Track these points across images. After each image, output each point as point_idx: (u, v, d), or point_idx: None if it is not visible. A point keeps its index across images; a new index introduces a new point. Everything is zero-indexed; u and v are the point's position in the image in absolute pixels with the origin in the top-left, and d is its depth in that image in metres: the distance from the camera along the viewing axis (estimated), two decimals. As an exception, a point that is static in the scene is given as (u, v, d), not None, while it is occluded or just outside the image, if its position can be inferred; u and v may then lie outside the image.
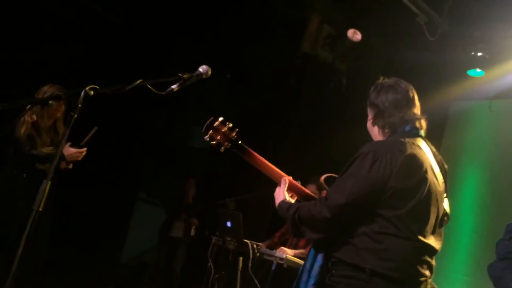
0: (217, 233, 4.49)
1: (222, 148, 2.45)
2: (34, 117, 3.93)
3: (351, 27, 6.16)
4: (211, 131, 2.44)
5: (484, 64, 5.64)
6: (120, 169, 6.96)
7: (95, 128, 3.90)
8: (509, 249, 1.87)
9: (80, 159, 3.99)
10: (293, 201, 2.40)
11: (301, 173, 2.52)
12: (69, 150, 3.85)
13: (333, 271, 2.16)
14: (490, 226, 5.04)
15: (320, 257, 2.23)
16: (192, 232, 6.76)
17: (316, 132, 6.99)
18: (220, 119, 2.46)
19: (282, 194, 2.38)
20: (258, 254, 4.15)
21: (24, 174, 3.87)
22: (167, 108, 7.43)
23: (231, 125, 2.47)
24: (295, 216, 2.20)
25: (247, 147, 2.47)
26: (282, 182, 2.42)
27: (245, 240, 4.23)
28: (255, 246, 4.17)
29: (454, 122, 6.12)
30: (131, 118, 7.02)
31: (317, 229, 2.16)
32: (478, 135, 5.93)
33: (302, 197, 2.44)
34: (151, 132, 7.25)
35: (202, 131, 2.45)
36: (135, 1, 6.89)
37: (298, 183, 2.48)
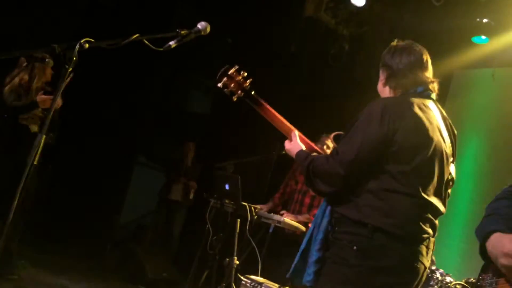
0: (215, 196, 4.49)
1: (235, 97, 2.45)
2: (26, 77, 4.06)
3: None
4: (225, 79, 2.43)
5: (489, 31, 5.55)
6: (119, 132, 6.94)
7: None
8: (495, 208, 1.89)
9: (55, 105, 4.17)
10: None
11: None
12: (41, 97, 4.04)
13: (336, 228, 2.18)
14: (488, 194, 5.02)
15: (328, 212, 2.25)
16: (191, 195, 6.79)
17: (316, 98, 6.94)
18: (236, 67, 2.45)
19: (297, 145, 2.39)
20: (256, 217, 4.16)
21: (8, 127, 4.11)
22: (167, 71, 7.36)
23: (246, 74, 2.46)
24: (310, 167, 2.20)
25: (259, 98, 2.46)
26: (293, 135, 2.42)
27: (243, 203, 4.23)
28: (253, 209, 4.17)
29: (456, 90, 6.07)
30: (130, 81, 6.96)
31: (329, 183, 2.16)
32: (480, 103, 5.89)
33: (310, 151, 2.43)
34: (150, 96, 7.20)
35: (216, 78, 2.43)
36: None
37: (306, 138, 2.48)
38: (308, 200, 4.63)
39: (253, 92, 2.45)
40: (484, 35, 5.58)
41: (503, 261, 1.70)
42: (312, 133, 4.74)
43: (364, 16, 6.41)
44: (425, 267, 2.18)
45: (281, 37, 6.86)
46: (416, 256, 2.11)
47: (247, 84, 2.44)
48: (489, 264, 1.81)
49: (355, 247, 2.07)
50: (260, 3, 6.77)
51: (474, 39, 5.67)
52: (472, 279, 3.49)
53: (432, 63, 2.41)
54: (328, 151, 2.62)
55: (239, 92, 2.43)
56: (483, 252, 1.83)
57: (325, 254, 2.18)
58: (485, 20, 5.46)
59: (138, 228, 7.52)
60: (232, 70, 2.43)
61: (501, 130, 5.62)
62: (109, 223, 6.80)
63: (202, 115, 8.03)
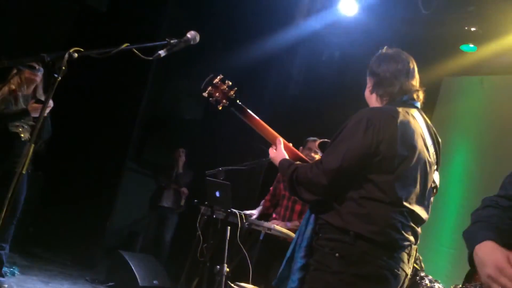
0: (206, 203, 4.49)
1: (220, 105, 2.49)
2: (13, 86, 4.13)
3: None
4: (210, 88, 2.48)
5: (477, 39, 5.62)
6: (110, 139, 6.93)
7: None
8: (485, 216, 1.91)
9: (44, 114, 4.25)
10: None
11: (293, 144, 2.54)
12: (33, 106, 4.13)
13: (320, 235, 2.20)
14: (477, 200, 5.03)
15: (312, 220, 2.27)
16: (182, 201, 6.79)
17: (308, 104, 6.97)
18: (220, 76, 2.49)
19: (281, 153, 2.42)
20: (246, 224, 4.16)
21: None
22: (158, 77, 7.36)
23: (230, 83, 2.50)
24: (293, 176, 2.23)
25: (244, 107, 2.50)
26: (278, 142, 2.46)
27: (234, 210, 4.24)
28: (243, 216, 4.18)
29: (445, 97, 6.12)
30: (121, 88, 6.96)
31: (313, 192, 2.19)
32: (469, 111, 5.93)
33: (295, 159, 2.46)
34: (141, 102, 7.20)
35: (202, 87, 2.48)
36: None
37: (291, 145, 2.51)
38: (299, 207, 4.61)
39: (238, 101, 2.48)
40: (472, 44, 5.64)
41: (490, 271, 1.67)
42: (303, 139, 4.78)
43: (354, 23, 6.45)
44: (406, 274, 2.21)
45: (271, 43, 6.89)
46: (397, 263, 2.14)
47: (232, 93, 2.48)
48: (473, 272, 1.82)
49: (337, 254, 2.09)
50: (250, 8, 6.81)
51: (463, 47, 5.73)
52: (459, 286, 3.51)
53: (421, 70, 2.45)
54: (317, 156, 2.65)
55: (224, 101, 2.47)
56: (472, 260, 1.83)
57: (309, 261, 2.20)
58: (473, 29, 5.52)
59: (129, 234, 7.49)
60: (216, 79, 2.48)
61: (490, 137, 5.67)
62: (99, 230, 6.77)
63: (194, 121, 8.03)
